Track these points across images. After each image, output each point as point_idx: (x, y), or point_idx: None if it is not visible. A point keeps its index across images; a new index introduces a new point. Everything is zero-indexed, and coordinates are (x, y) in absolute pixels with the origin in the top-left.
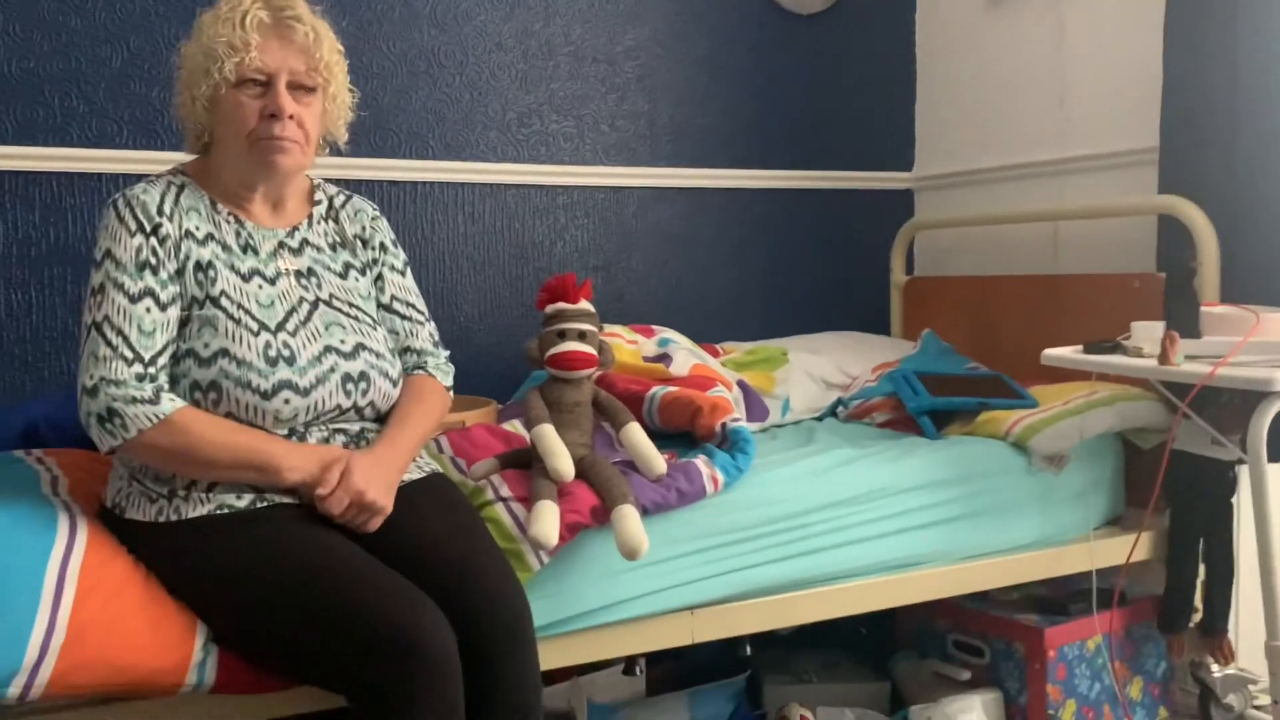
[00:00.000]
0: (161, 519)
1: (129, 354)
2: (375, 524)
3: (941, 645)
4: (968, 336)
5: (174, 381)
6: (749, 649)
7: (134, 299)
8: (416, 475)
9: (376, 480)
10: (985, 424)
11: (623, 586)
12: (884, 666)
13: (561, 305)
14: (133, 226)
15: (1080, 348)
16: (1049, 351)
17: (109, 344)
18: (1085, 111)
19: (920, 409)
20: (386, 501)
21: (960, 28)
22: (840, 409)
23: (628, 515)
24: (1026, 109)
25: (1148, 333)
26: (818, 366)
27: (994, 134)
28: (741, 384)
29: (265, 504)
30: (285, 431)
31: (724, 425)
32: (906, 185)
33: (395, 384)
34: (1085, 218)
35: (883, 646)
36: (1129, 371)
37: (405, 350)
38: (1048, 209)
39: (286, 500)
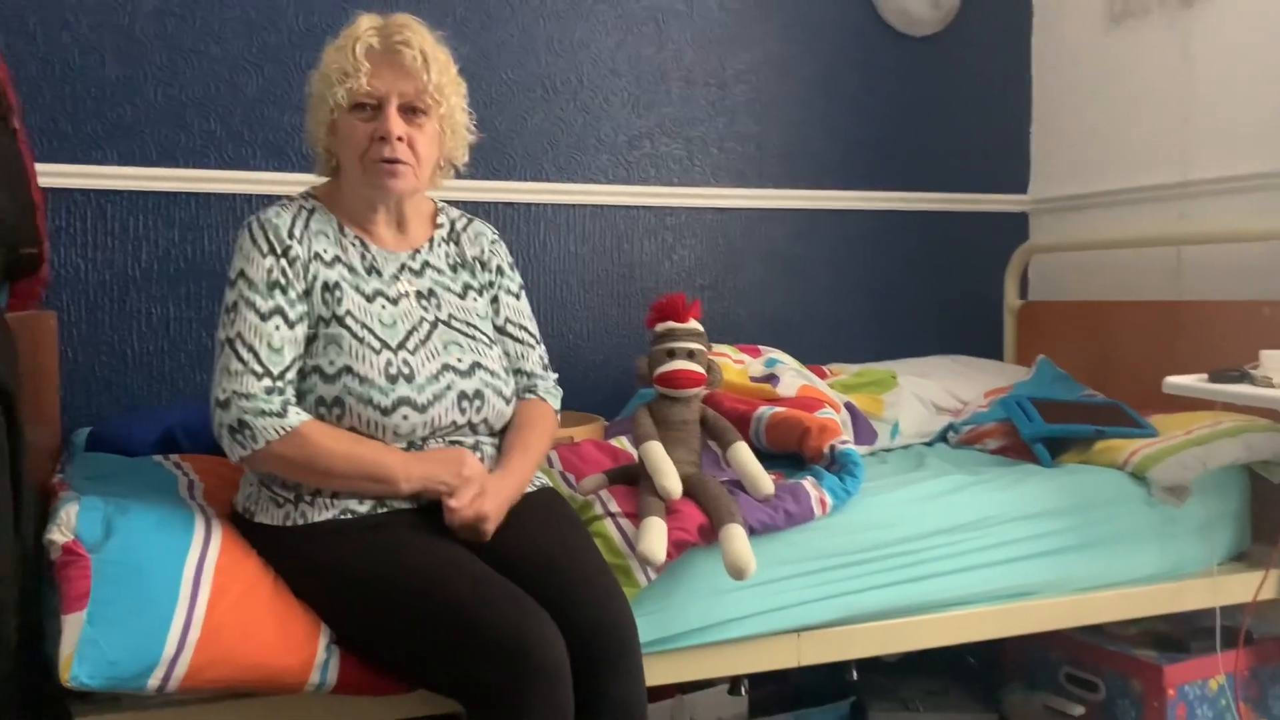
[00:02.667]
0: (288, 523)
1: (259, 369)
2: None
3: (1054, 678)
4: (1084, 363)
5: (301, 396)
6: (855, 674)
7: (264, 317)
8: (528, 489)
9: (498, 501)
10: (1102, 453)
11: (729, 606)
12: (992, 697)
13: (671, 324)
14: (265, 248)
15: (1205, 376)
16: (1171, 379)
17: (240, 359)
18: (1212, 131)
19: (1035, 436)
20: (494, 524)
21: (1079, 46)
22: (951, 434)
23: (736, 535)
24: (1148, 129)
25: (1278, 362)
26: (927, 390)
27: (1113, 155)
28: (849, 406)
29: (385, 509)
30: (404, 445)
31: (832, 447)
32: (1021, 208)
33: (508, 402)
34: (1212, 242)
35: (991, 677)
36: (1258, 401)
37: (517, 372)
38: (1171, 233)
39: (405, 506)
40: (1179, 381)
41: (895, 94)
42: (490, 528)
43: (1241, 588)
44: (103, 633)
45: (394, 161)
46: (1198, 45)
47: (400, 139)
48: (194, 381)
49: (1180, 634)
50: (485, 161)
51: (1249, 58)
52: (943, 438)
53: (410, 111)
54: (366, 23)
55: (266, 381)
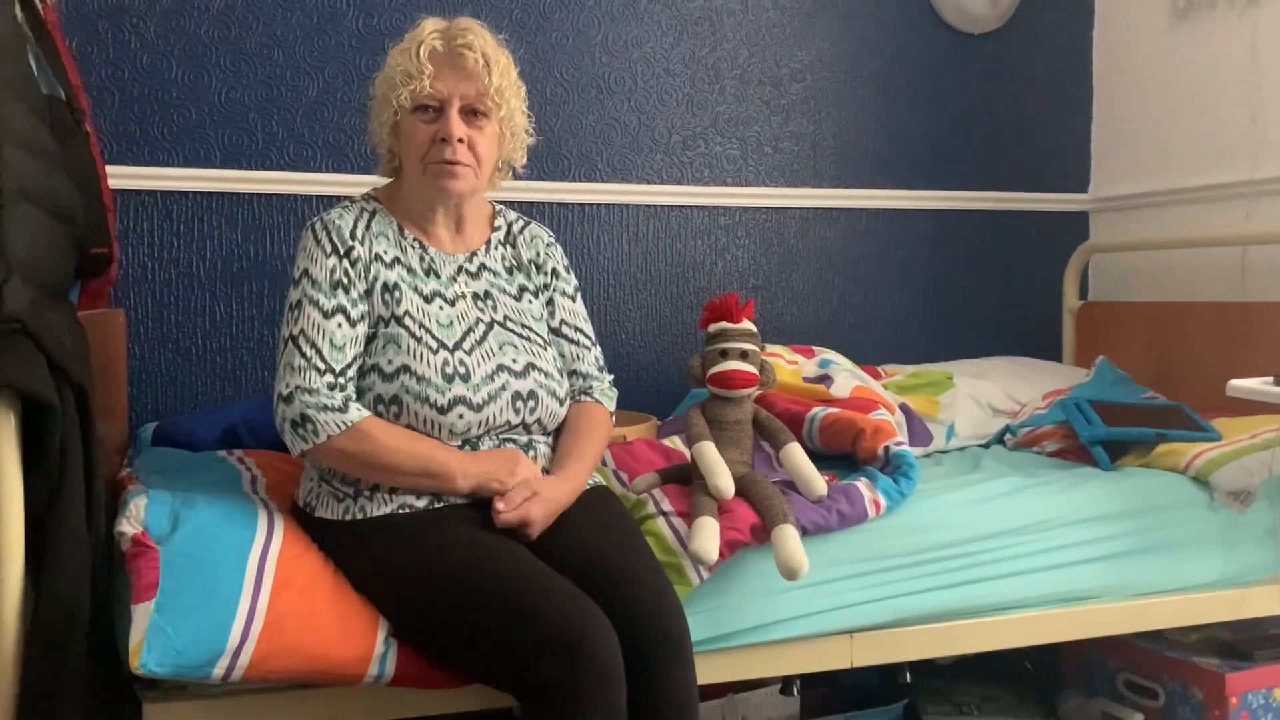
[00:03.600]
0: (348, 517)
1: (321, 365)
2: (525, 528)
3: (1112, 684)
4: (1145, 365)
5: (359, 394)
6: (908, 676)
7: (327, 315)
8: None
9: (551, 512)
10: (1163, 456)
11: (781, 606)
12: (1049, 703)
13: (724, 324)
14: (328, 248)
15: (1270, 379)
16: (1236, 382)
17: (304, 355)
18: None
19: (1094, 438)
20: (540, 527)
21: (1142, 42)
22: (1008, 436)
23: (788, 535)
24: (1214, 127)
25: None
26: (984, 392)
27: (1177, 153)
28: (904, 407)
29: (443, 504)
30: (459, 444)
31: (886, 449)
32: (1081, 207)
33: (562, 403)
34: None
35: (1048, 682)
36: None
37: (572, 373)
38: (1236, 233)
39: (462, 501)
40: (1244, 384)
41: (953, 92)
42: (534, 532)
43: None
44: (170, 622)
45: (454, 163)
46: (1266, 40)
47: (461, 141)
48: (256, 378)
49: (1243, 642)
50: (540, 161)
51: None
52: (1000, 440)
53: (471, 114)
54: (430, 26)
55: (329, 378)
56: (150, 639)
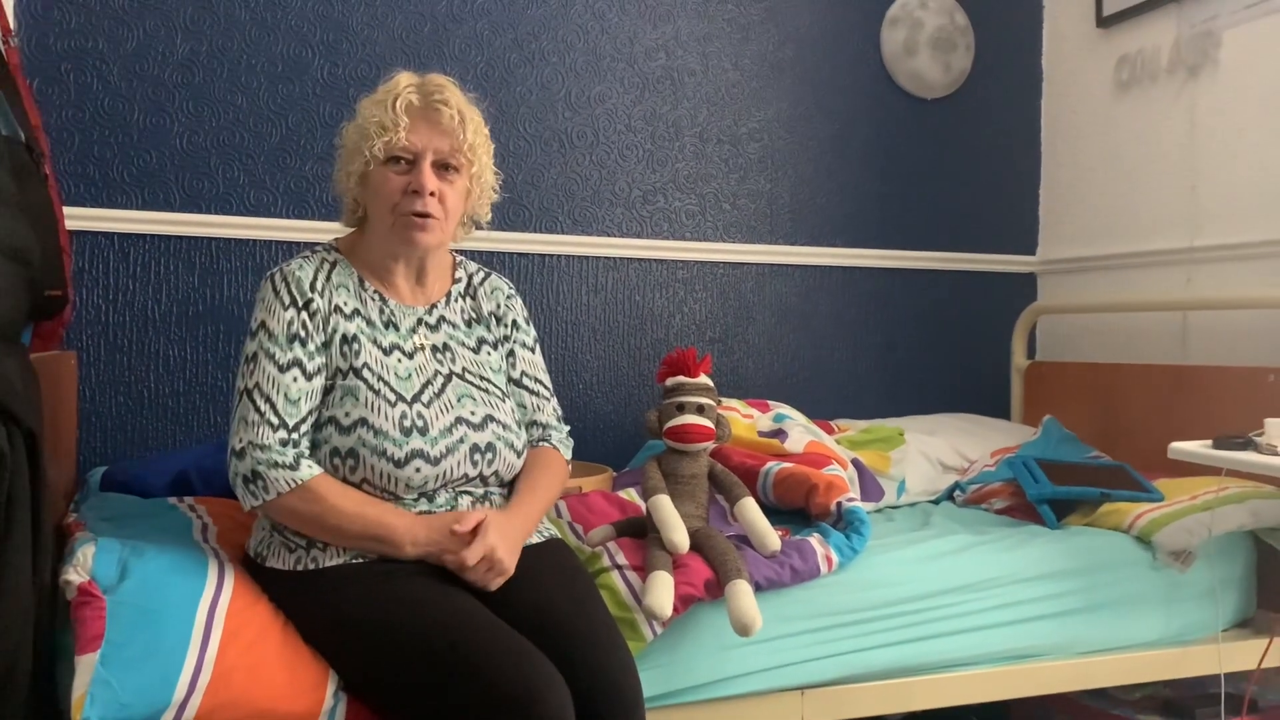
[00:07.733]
0: (300, 568)
1: (275, 420)
2: (497, 583)
3: None
4: (1090, 424)
5: (316, 446)
6: None
7: (283, 369)
8: (536, 540)
9: (507, 540)
10: (1107, 515)
11: (734, 662)
12: None
13: (681, 379)
14: (286, 300)
15: (1210, 442)
16: (1177, 445)
17: (258, 410)
18: (1218, 199)
19: (1040, 497)
20: (511, 563)
21: (1088, 112)
22: (957, 493)
23: (742, 591)
24: (1156, 195)
25: None
26: (934, 448)
27: (1121, 220)
28: (856, 463)
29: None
30: (415, 496)
31: (839, 504)
32: (1029, 269)
33: (519, 455)
34: (1218, 309)
35: None
36: (1263, 469)
37: (531, 424)
38: (1177, 298)
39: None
40: (1184, 447)
41: (906, 155)
42: (500, 556)
43: (1247, 655)
44: (115, 674)
45: (425, 216)
46: (1204, 114)
47: (432, 194)
48: (209, 423)
49: (1185, 700)
50: (502, 213)
51: (1255, 126)
52: (949, 496)
53: (443, 168)
54: (405, 80)
55: (282, 433)
56: (94, 692)
